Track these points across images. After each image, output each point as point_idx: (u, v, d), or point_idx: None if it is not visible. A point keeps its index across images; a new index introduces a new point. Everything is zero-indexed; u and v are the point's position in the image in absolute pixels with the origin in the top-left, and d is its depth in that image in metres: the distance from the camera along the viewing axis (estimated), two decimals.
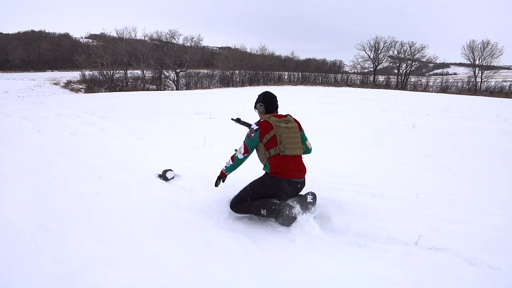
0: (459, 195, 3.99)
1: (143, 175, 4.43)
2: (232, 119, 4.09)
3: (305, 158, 3.51)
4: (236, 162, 3.41)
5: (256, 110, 3.47)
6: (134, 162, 5.08)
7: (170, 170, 4.41)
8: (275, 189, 3.20)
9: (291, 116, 3.42)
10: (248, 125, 3.72)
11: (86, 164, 4.84)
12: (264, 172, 3.37)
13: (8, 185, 3.89)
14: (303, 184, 3.36)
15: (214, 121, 8.74)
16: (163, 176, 4.36)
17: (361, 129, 8.40)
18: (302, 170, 3.33)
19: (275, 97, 3.45)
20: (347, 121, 9.58)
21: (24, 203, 3.43)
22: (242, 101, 14.76)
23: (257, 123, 3.29)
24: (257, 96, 3.49)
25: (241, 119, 3.92)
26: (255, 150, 3.36)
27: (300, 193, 3.44)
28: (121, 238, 2.86)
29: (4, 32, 74.47)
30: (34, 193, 3.70)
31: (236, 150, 3.45)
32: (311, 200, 3.33)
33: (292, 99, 16.54)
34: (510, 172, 5.14)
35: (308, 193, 3.40)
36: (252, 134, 3.23)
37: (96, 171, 4.53)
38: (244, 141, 3.31)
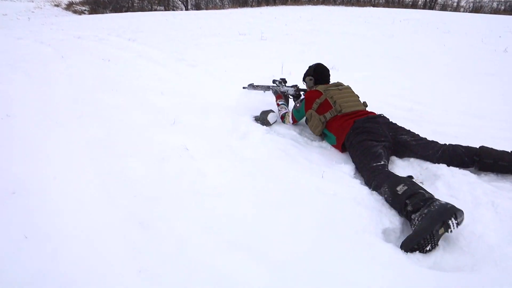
0: None
1: (232, 119, 3.17)
2: (244, 87, 3.69)
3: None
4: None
5: (305, 83, 3.17)
6: (206, 98, 3.78)
7: (271, 111, 3.13)
8: (362, 138, 2.47)
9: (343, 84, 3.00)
10: (266, 88, 3.52)
11: (144, 103, 3.57)
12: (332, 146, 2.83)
13: (60, 148, 2.67)
14: (386, 118, 2.70)
15: (269, 44, 7.19)
16: (263, 120, 3.10)
17: (445, 52, 6.89)
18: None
19: (327, 70, 3.11)
20: (421, 45, 7.99)
21: (97, 180, 2.21)
22: (277, 21, 12.88)
23: (305, 93, 3.02)
24: (307, 68, 3.19)
25: (254, 84, 3.59)
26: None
27: None
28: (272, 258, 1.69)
29: None
30: (100, 156, 2.48)
31: (280, 111, 3.24)
32: None
33: (330, 20, 14.56)
34: None
35: None
36: (298, 105, 3.01)
37: (164, 112, 3.27)
38: (292, 110, 3.10)
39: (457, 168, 2.40)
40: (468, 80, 4.95)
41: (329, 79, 3.10)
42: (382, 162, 2.29)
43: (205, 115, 3.24)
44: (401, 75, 5.04)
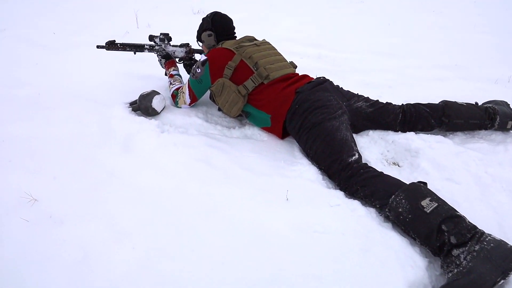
0: None
1: (97, 115, 1.98)
2: (99, 46, 2.34)
3: None
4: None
5: (202, 44, 2.16)
6: (38, 84, 2.39)
7: (155, 92, 2.03)
8: (318, 118, 1.68)
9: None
10: (137, 47, 2.32)
11: None
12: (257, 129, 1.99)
13: None
14: (332, 82, 1.91)
15: None
16: (146, 109, 2.01)
17: None
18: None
19: (230, 19, 2.15)
20: None
21: None
22: None
23: (206, 54, 1.99)
24: (200, 21, 2.15)
25: (118, 42, 2.32)
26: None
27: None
28: None
29: None
30: None
31: (173, 84, 2.20)
32: None
33: None
34: None
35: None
36: (199, 70, 1.97)
37: None
38: (188, 82, 2.05)
39: (427, 135, 1.92)
40: (347, 12, 4.57)
41: (235, 32, 2.15)
42: (357, 155, 1.58)
43: (46, 117, 1.96)
44: (283, 13, 4.33)
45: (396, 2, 5.15)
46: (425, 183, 1.39)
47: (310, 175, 1.57)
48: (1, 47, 3.03)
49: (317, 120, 1.66)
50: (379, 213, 1.40)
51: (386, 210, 1.34)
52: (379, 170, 1.52)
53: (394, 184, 1.39)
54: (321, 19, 4.13)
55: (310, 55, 2.93)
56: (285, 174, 1.57)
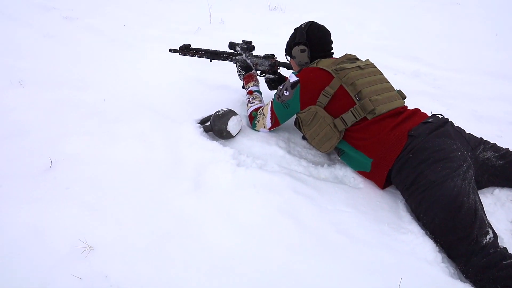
0: None
1: (164, 134, 1.74)
2: (172, 50, 2.11)
3: None
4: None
5: (292, 58, 1.79)
6: (103, 86, 2.21)
7: (231, 112, 1.75)
8: (437, 175, 1.28)
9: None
10: (212, 54, 2.05)
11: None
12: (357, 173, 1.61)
13: None
14: (451, 126, 1.48)
15: None
16: (220, 132, 1.73)
17: None
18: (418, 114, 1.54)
19: (328, 32, 1.75)
20: None
21: None
22: None
23: (298, 73, 1.63)
24: (292, 31, 1.77)
25: (193, 47, 2.07)
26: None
27: None
28: None
29: None
30: None
31: (252, 103, 1.87)
32: None
33: None
34: None
35: None
36: (287, 93, 1.63)
37: (28, 135, 1.71)
38: (271, 103, 1.73)
39: None
40: (441, 15, 4.01)
41: (332, 47, 1.80)
42: (491, 232, 1.20)
43: (109, 132, 1.75)
44: (370, 14, 3.87)
45: (498, 4, 4.48)
46: None
47: (426, 253, 1.21)
48: (72, 39, 2.90)
49: (437, 178, 1.28)
50: None
51: None
52: None
53: None
54: (412, 23, 3.63)
55: (405, 70, 2.51)
56: (393, 247, 1.22)
